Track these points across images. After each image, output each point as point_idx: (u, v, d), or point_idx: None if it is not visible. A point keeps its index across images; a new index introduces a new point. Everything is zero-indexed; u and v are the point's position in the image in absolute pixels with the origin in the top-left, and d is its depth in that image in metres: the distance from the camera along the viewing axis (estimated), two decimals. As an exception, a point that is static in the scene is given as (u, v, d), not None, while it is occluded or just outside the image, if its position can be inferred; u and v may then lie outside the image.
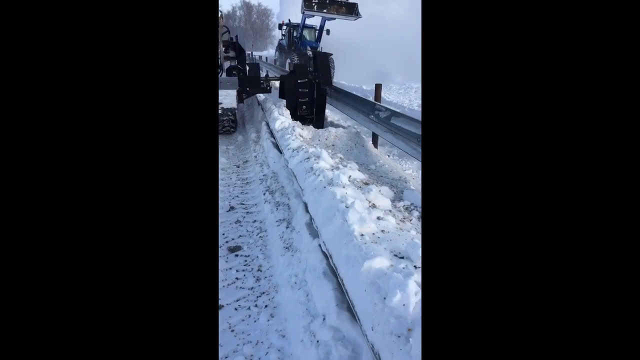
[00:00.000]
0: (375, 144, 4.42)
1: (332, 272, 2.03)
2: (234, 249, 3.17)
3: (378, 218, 1.94)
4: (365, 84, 14.73)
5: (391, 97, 11.63)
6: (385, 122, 3.76)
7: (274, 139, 4.49)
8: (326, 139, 3.91)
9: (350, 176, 2.42)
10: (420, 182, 3.53)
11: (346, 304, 1.84)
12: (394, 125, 3.55)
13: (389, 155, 4.55)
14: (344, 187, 2.15)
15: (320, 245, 2.23)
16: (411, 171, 4.09)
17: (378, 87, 4.26)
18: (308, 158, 2.86)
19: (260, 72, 5.45)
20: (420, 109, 8.88)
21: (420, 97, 12.35)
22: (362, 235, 1.79)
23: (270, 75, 6.01)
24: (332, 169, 2.64)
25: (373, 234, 1.80)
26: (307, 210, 2.71)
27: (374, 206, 2.10)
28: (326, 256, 2.17)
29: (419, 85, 16.93)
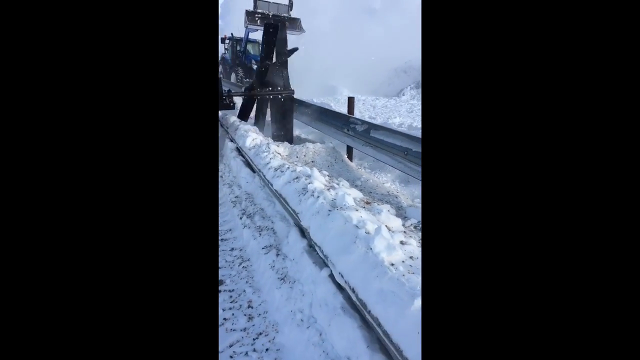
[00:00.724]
0: (350, 157, 4.30)
1: (353, 307, 1.80)
2: (215, 284, 2.82)
3: (402, 243, 1.75)
4: (314, 97, 14.73)
5: (342, 109, 11.70)
6: (363, 136, 3.63)
7: (243, 157, 4.17)
8: (304, 156, 3.69)
9: (351, 195, 2.22)
10: (408, 196, 3.44)
11: (378, 344, 1.62)
12: (374, 138, 3.43)
13: (360, 168, 4.43)
14: (357, 209, 1.94)
15: (331, 277, 2.00)
16: (389, 184, 3.99)
17: (351, 100, 4.15)
18: (297, 177, 2.62)
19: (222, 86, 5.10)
20: (372, 121, 8.97)
21: (368, 108, 12.58)
22: (393, 264, 1.59)
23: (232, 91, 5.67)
24: (329, 189, 2.43)
25: (403, 262, 1.61)
26: (303, 236, 2.46)
27: (388, 229, 1.92)
28: (340, 288, 1.94)
29: (365, 97, 17.40)
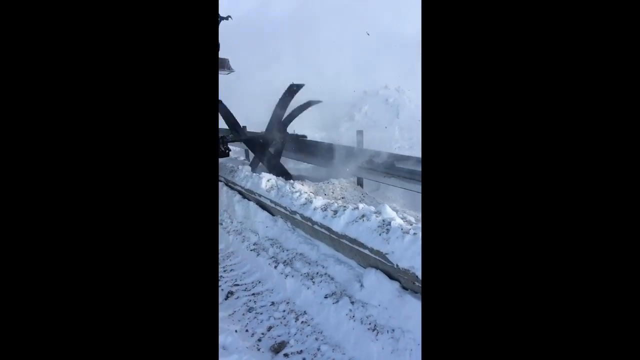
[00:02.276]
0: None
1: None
2: (278, 348, 2.44)
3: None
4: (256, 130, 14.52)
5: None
6: (387, 168, 3.58)
7: (248, 199, 3.84)
8: (332, 192, 3.50)
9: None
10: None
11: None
12: (402, 169, 3.39)
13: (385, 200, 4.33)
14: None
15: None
16: (402, 210, 3.96)
17: (360, 134, 4.10)
18: (364, 215, 2.44)
19: None
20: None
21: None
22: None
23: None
24: (411, 223, 2.30)
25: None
26: (392, 278, 2.26)
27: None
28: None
29: (302, 131, 17.71)
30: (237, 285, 3.24)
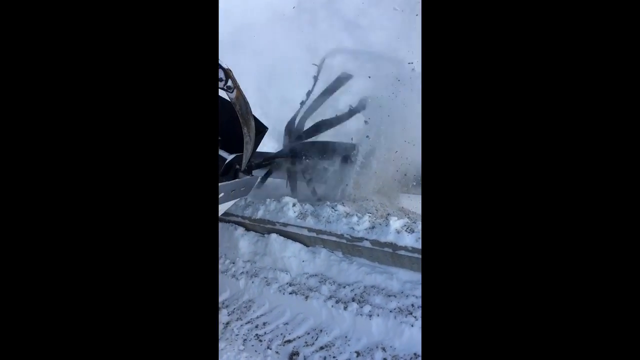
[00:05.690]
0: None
1: None
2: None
3: None
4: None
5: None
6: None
7: (256, 231, 3.14)
8: (377, 210, 3.08)
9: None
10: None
11: None
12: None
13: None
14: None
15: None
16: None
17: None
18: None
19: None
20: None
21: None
22: None
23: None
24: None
25: None
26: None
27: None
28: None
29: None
30: (289, 341, 2.59)
